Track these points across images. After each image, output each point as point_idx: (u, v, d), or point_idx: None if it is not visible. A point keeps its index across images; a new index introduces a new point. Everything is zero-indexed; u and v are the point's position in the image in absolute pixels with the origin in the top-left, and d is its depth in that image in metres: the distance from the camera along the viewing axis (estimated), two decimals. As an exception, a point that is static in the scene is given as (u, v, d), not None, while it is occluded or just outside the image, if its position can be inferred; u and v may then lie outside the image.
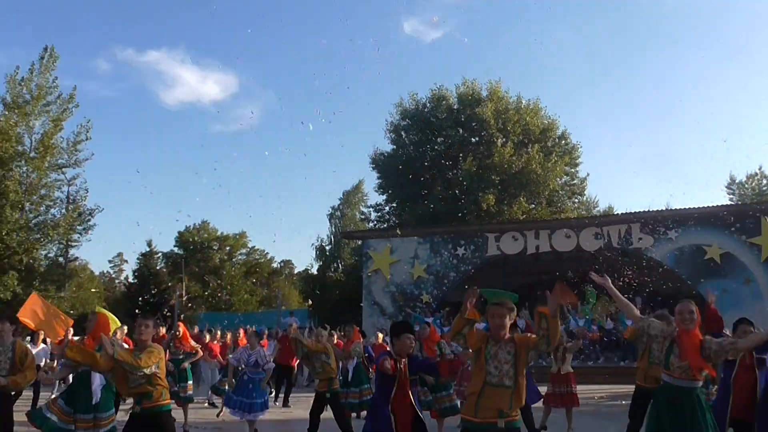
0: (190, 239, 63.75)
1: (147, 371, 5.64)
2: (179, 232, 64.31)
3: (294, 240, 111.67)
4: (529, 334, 5.10)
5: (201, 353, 12.89)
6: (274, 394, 16.00)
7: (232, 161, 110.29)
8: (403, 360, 5.88)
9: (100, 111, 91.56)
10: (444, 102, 39.38)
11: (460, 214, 34.38)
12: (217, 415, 12.39)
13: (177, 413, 10.39)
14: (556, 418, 11.12)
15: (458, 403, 10.17)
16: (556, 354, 10.97)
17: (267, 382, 10.89)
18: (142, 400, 5.76)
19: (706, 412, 5.16)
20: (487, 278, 27.47)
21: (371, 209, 43.48)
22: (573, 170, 41.18)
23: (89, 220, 34.14)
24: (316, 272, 45.05)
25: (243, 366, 10.78)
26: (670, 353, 5.34)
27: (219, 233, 65.70)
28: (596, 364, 21.11)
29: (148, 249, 51.35)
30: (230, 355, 11.58)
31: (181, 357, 11.48)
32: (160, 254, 60.87)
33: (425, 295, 26.59)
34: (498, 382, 4.92)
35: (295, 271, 75.96)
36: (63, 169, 33.49)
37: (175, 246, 64.69)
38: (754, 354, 6.33)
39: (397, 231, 28.73)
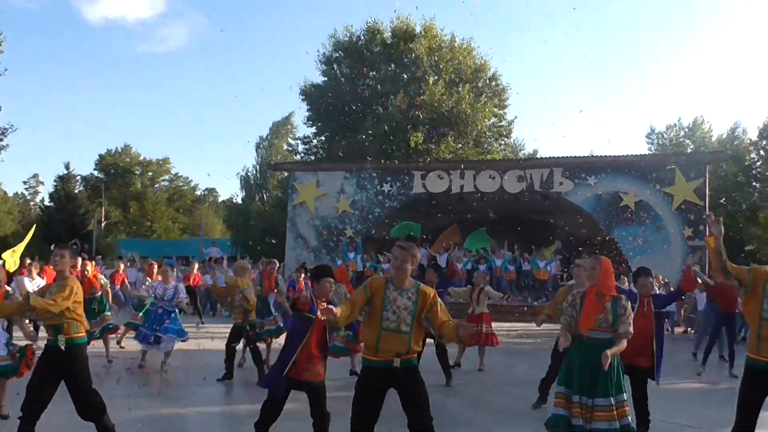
0: (112, 163, 62.14)
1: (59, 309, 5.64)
2: (100, 155, 62.59)
3: (219, 168, 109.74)
4: (438, 304, 5.01)
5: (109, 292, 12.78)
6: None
7: (158, 84, 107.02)
8: (324, 303, 5.88)
9: (17, 23, 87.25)
10: (378, 36, 38.91)
11: (389, 151, 34.48)
12: (118, 343, 12.18)
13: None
14: (470, 354, 11.52)
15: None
16: (473, 295, 11.31)
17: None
18: (56, 333, 5.70)
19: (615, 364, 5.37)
20: (412, 216, 27.83)
21: (299, 141, 43.13)
22: (501, 112, 41.61)
23: (1, 140, 32.75)
24: (240, 202, 44.64)
25: (156, 298, 10.63)
26: (581, 307, 5.50)
27: (142, 158, 64.21)
28: (510, 303, 21.76)
29: (66, 171, 49.63)
30: (143, 287, 11.32)
31: (97, 295, 11.18)
32: (78, 177, 59.23)
33: (349, 230, 26.74)
34: (395, 327, 4.90)
35: (219, 200, 75.13)
36: (-27, 85, 31.86)
37: (95, 169, 63.01)
38: (652, 305, 6.59)
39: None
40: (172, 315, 10.53)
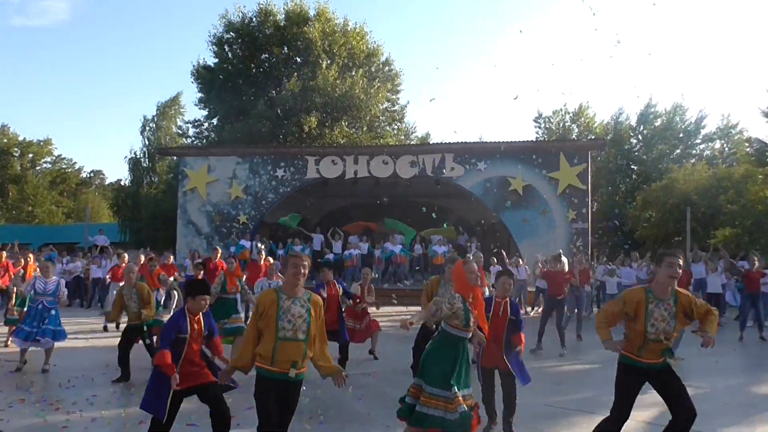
0: (-13, 145, 58.67)
1: None
2: (-27, 137, 58.96)
3: (105, 149, 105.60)
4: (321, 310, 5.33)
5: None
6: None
7: (36, 60, 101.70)
8: (198, 318, 5.93)
9: None
10: (271, 18, 38.37)
11: (282, 135, 34.17)
12: (6, 345, 11.68)
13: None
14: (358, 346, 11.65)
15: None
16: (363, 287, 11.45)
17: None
18: None
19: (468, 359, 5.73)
20: (306, 201, 27.78)
21: (189, 125, 42.02)
22: (394, 97, 41.99)
23: None
24: (128, 185, 43.03)
25: (38, 294, 10.14)
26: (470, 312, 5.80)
27: (21, 139, 60.93)
28: (406, 287, 22.15)
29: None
30: (24, 286, 10.78)
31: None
32: (-50, 159, 55.68)
33: (242, 216, 26.41)
34: (292, 336, 5.05)
35: (107, 182, 72.45)
36: None
37: (-32, 151, 59.31)
38: (509, 310, 6.87)
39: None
40: (53, 312, 10.12)
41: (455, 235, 24.50)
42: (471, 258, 8.49)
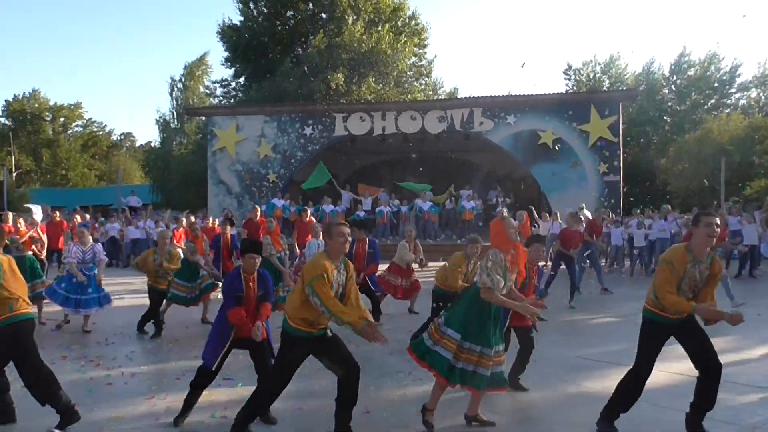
0: (19, 109, 59.33)
1: None
2: (6, 101, 59.65)
3: (134, 111, 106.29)
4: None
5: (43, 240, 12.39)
6: None
7: (63, 23, 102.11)
8: (252, 276, 5.95)
9: None
10: (296, -26, 37.91)
11: (309, 93, 34.03)
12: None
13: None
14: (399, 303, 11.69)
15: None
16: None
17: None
18: None
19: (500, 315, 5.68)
20: (335, 158, 27.79)
21: (217, 84, 42.01)
22: (421, 51, 41.54)
23: None
24: (159, 146, 43.31)
25: (76, 263, 10.12)
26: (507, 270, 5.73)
27: (52, 103, 61.52)
28: (436, 242, 22.18)
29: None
30: (65, 258, 10.70)
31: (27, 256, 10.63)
32: (-18, 125, 56.44)
33: (272, 174, 26.51)
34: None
35: (137, 145, 73.01)
36: None
37: (1, 116, 60.08)
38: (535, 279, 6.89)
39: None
40: (93, 278, 10.18)
41: (442, 199, 24.35)
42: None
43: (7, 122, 58.97)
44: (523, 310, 5.55)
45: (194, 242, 11.01)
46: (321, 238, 11.84)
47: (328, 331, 5.34)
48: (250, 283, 5.89)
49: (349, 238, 5.31)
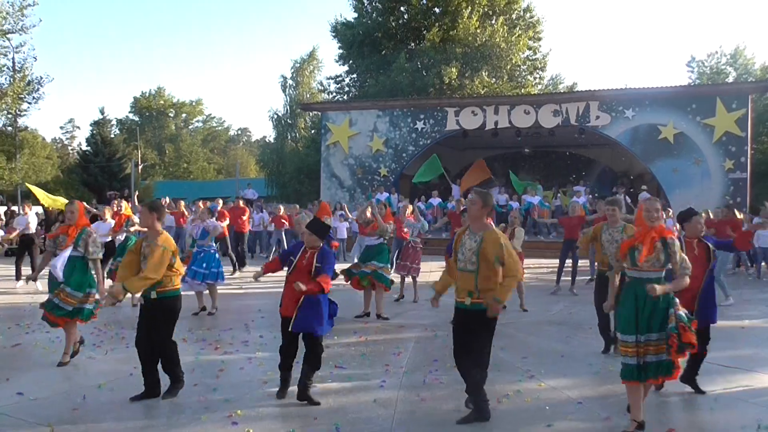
0: (146, 106, 62.49)
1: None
2: (134, 98, 62.98)
3: (250, 107, 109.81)
4: (501, 243, 5.51)
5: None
6: (233, 269, 16.29)
7: (179, 22, 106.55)
8: (313, 251, 6.16)
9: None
10: (410, -32, 38.02)
11: (422, 88, 34.06)
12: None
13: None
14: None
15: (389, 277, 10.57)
16: (505, 233, 11.28)
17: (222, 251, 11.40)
18: (151, 288, 6.01)
19: (669, 302, 5.33)
20: (446, 153, 27.67)
21: (331, 80, 42.72)
22: (536, 45, 40.82)
23: (38, 89, 33.05)
24: (273, 141, 44.59)
25: (195, 240, 10.90)
26: (634, 250, 5.44)
27: (175, 100, 64.44)
28: (547, 239, 21.73)
29: (101, 116, 50.05)
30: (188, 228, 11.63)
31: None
32: (114, 121, 59.67)
33: (383, 169, 26.69)
34: (463, 267, 5.57)
35: (253, 140, 75.37)
36: (8, 35, 31.89)
37: (130, 112, 63.45)
38: (704, 243, 6.41)
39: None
40: (212, 254, 10.71)
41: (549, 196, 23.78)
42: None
43: (134, 118, 62.25)
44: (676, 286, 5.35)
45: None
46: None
47: (467, 300, 5.54)
48: (306, 255, 6.14)
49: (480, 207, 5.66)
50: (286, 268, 6.24)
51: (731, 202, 21.76)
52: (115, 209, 12.99)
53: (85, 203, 8.96)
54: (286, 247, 17.88)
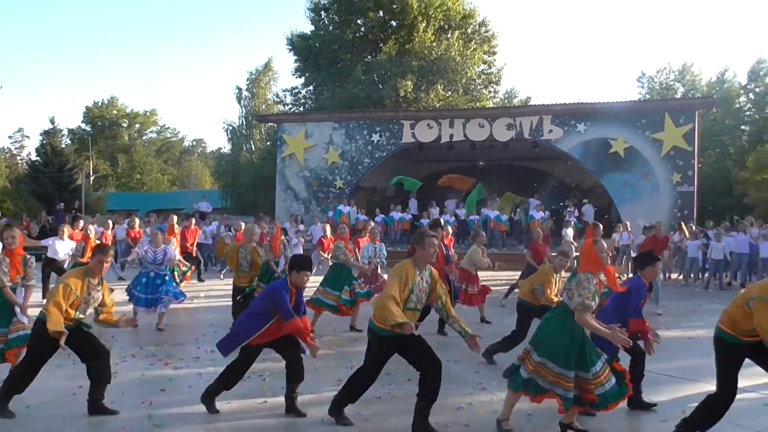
0: (98, 116, 61.43)
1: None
2: (87, 108, 61.82)
3: (205, 118, 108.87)
4: (439, 283, 5.75)
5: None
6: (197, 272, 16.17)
7: (137, 32, 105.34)
8: (295, 291, 6.12)
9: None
10: (367, -18, 38.16)
11: (378, 100, 34.16)
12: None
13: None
14: (469, 311, 11.51)
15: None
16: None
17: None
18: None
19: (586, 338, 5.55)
20: (401, 165, 27.79)
21: (287, 92, 42.56)
22: (491, 59, 41.27)
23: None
24: (228, 153, 44.18)
25: (148, 263, 10.47)
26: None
27: (129, 110, 63.49)
28: (500, 251, 21.93)
29: (51, 125, 49.05)
30: (135, 249, 11.18)
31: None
32: (65, 131, 58.55)
33: (339, 181, 26.68)
34: (414, 306, 5.64)
35: (208, 151, 74.66)
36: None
37: (82, 122, 62.28)
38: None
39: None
40: (166, 278, 10.43)
41: (507, 210, 23.98)
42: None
43: (86, 128, 61.13)
44: (611, 337, 5.42)
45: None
46: (377, 242, 11.97)
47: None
48: (292, 297, 6.09)
49: (437, 249, 5.70)
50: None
51: (679, 215, 22.31)
52: (77, 229, 12.77)
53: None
54: None
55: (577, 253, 7.56)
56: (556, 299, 7.74)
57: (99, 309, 6.15)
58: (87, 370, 6.07)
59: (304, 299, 6.43)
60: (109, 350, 6.24)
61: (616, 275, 6.08)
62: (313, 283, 8.13)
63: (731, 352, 5.16)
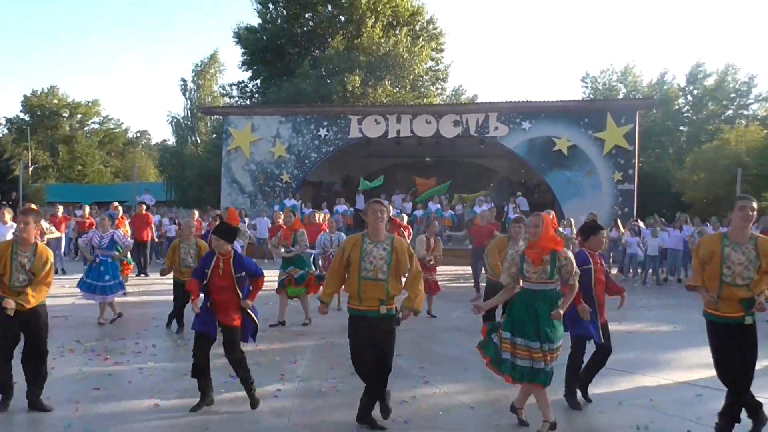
0: (38, 105, 59.73)
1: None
2: (25, 97, 60.07)
3: (150, 109, 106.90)
4: (404, 255, 5.61)
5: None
6: (136, 271, 15.89)
7: (80, 20, 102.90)
8: (226, 258, 6.11)
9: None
10: (316, -24, 38.02)
11: (325, 95, 34.07)
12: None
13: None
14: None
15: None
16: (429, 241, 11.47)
17: (126, 260, 11.05)
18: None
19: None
20: (348, 160, 27.78)
21: (234, 86, 42.11)
22: (438, 56, 41.57)
23: None
24: (173, 145, 43.49)
25: (94, 248, 10.48)
26: (522, 263, 5.61)
27: (70, 99, 61.88)
28: (446, 247, 22.06)
29: (-12, 114, 47.59)
30: (80, 238, 11.07)
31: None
32: (2, 119, 56.87)
33: (285, 175, 26.53)
34: (372, 276, 5.51)
35: (152, 143, 73.38)
36: None
37: (20, 111, 60.50)
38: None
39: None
40: (110, 264, 10.31)
41: (452, 205, 24.35)
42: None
43: (25, 117, 59.39)
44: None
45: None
46: (334, 232, 12.34)
47: (382, 308, 5.50)
48: (220, 263, 6.05)
49: (381, 215, 5.56)
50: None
51: (620, 213, 22.84)
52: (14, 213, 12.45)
53: None
54: None
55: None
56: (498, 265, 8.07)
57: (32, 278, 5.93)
58: (23, 368, 5.95)
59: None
60: (47, 351, 6.10)
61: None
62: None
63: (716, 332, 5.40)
